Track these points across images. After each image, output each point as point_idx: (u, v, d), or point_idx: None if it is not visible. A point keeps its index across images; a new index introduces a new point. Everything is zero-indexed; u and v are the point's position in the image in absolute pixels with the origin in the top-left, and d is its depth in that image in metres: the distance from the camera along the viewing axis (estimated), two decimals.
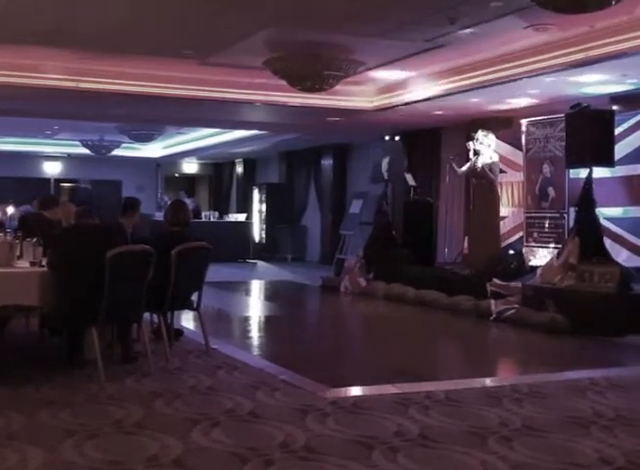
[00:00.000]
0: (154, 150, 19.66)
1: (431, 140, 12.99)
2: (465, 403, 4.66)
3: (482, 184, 10.45)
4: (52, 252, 5.30)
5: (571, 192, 9.40)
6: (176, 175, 22.82)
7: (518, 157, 10.72)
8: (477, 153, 10.43)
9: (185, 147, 18.31)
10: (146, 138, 16.03)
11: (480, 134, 10.37)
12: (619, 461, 3.60)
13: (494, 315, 8.30)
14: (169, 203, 7.36)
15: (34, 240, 5.64)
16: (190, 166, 22.52)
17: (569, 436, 4.01)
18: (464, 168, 10.67)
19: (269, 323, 8.89)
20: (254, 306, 10.74)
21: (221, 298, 10.15)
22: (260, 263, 17.05)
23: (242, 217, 18.45)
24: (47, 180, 20.47)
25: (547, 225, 10.11)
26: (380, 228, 11.77)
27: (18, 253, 5.61)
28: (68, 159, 20.24)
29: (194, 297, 6.19)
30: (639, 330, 7.15)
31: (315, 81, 8.51)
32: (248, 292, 12.40)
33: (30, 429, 3.98)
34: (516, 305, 8.24)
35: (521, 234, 10.66)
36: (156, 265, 5.27)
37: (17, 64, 9.20)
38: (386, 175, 11.82)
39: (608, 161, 8.29)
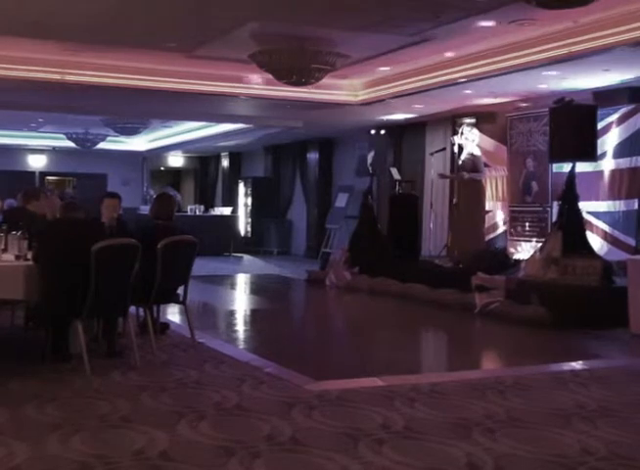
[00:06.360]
0: (139, 143, 19.55)
1: (415, 134, 13.02)
2: (450, 396, 4.71)
3: (465, 179, 10.50)
4: (37, 245, 5.29)
5: (555, 186, 9.47)
6: (162, 169, 22.72)
7: (502, 151, 10.78)
8: (461, 147, 10.48)
9: (171, 140, 18.22)
10: (131, 131, 15.94)
11: (465, 129, 10.41)
12: (602, 452, 3.66)
13: (478, 309, 8.36)
14: (155, 196, 7.35)
15: (19, 233, 5.63)
16: (176, 160, 22.43)
17: (552, 427, 4.07)
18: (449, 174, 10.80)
19: (255, 317, 8.90)
20: (240, 300, 10.74)
21: (207, 291, 10.14)
22: (246, 257, 17.03)
23: (227, 211, 18.41)
24: (32, 173, 20.32)
25: (530, 219, 10.18)
26: (365, 222, 11.78)
27: (2, 246, 5.59)
28: (53, 152, 20.09)
29: (180, 290, 6.19)
30: (621, 323, 7.23)
31: (301, 75, 8.48)
32: (233, 285, 12.39)
33: (16, 423, 3.98)
34: (500, 299, 8.30)
35: (504, 228, 10.72)
36: (141, 259, 5.27)
37: (0, 56, 9.12)
38: (371, 169, 11.85)
39: (590, 155, 8.37)
